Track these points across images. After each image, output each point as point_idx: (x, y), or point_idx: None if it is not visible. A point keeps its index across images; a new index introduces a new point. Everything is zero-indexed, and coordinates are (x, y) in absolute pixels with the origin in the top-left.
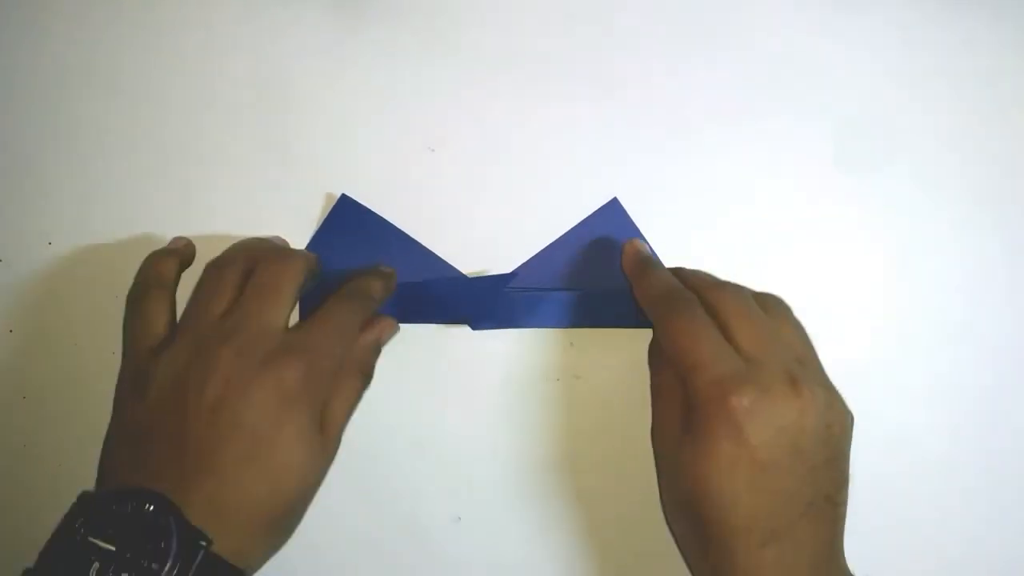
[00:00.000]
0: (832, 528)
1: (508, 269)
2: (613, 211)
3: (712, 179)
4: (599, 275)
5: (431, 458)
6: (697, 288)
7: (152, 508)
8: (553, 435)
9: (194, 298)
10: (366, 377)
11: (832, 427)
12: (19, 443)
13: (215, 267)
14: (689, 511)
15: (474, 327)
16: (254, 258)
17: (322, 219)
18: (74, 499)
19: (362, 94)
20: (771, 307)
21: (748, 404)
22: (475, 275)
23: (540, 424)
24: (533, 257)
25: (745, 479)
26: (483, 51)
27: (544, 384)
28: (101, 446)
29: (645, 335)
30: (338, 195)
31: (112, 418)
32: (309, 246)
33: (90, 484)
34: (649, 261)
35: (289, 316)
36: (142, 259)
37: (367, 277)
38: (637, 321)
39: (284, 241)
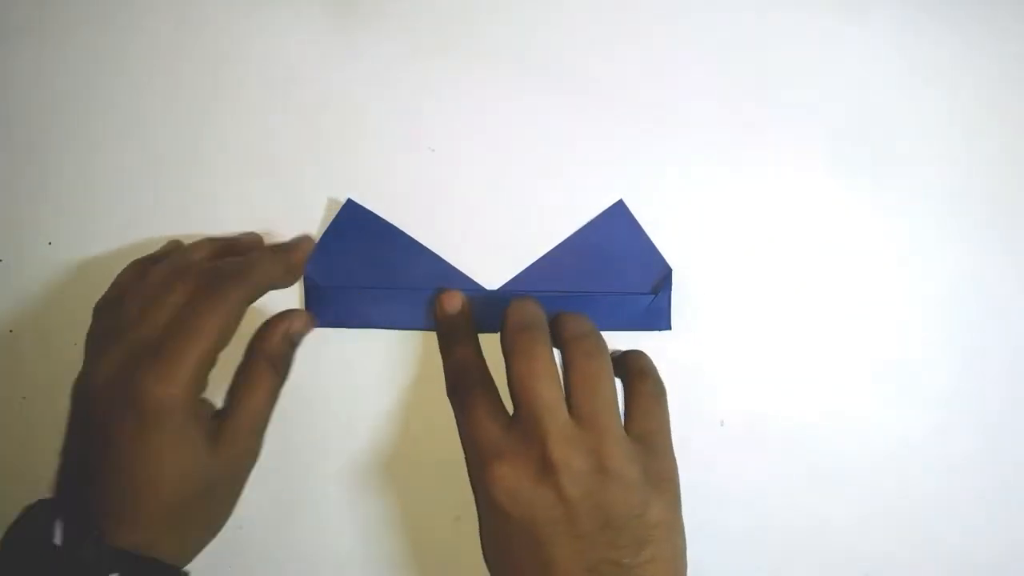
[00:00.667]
0: None
1: (511, 271)
2: (618, 213)
3: (716, 181)
4: (605, 278)
5: (431, 458)
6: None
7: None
8: None
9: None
10: (282, 374)
11: (596, 494)
12: (19, 443)
13: (149, 285)
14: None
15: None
16: (189, 278)
17: (325, 220)
18: None
19: (362, 94)
20: (635, 375)
21: (502, 478)
22: (476, 275)
23: None
24: (539, 260)
25: (518, 550)
26: (483, 51)
27: None
28: None
29: (646, 336)
30: (340, 197)
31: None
32: (314, 253)
33: None
34: (454, 331)
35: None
36: None
37: (261, 255)
38: (643, 325)
39: (256, 237)
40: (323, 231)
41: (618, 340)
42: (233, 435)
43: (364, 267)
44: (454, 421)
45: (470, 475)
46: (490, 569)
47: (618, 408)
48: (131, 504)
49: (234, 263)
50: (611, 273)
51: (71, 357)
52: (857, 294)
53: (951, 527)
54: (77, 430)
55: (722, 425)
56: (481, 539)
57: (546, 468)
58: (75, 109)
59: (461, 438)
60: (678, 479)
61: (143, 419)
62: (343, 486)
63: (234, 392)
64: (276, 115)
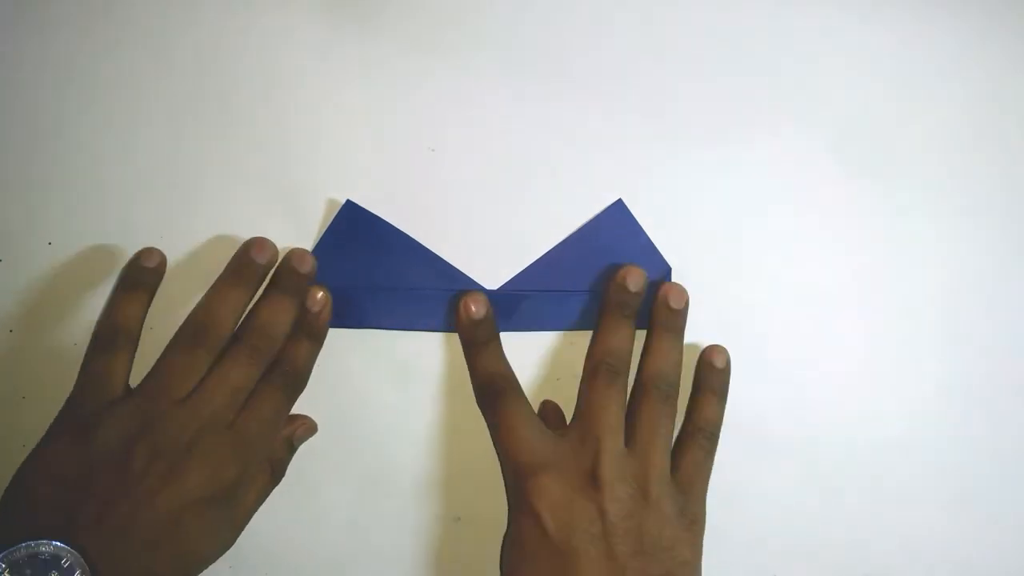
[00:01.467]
0: None
1: (511, 270)
2: (618, 212)
3: (716, 181)
4: (604, 277)
5: (431, 459)
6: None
7: (67, 563)
8: None
9: (158, 369)
10: (277, 476)
11: (635, 518)
12: (19, 443)
13: (190, 341)
14: None
15: None
16: (227, 337)
17: (324, 220)
18: None
19: (362, 94)
20: (650, 389)
21: (544, 488)
22: (475, 275)
23: None
24: (538, 259)
25: (547, 564)
26: (483, 51)
27: (544, 384)
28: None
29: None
30: (340, 198)
31: (41, 448)
32: (313, 255)
33: None
34: (479, 336)
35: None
36: None
37: (297, 347)
38: (641, 323)
39: (273, 250)
40: (323, 232)
41: None
42: (239, 521)
43: (363, 268)
44: (454, 421)
45: (506, 481)
46: None
47: (670, 449)
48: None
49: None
50: (611, 272)
51: (71, 357)
52: (858, 294)
53: (951, 527)
54: (108, 471)
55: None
56: (504, 549)
57: (593, 483)
58: (75, 110)
59: (497, 446)
60: (704, 528)
61: (206, 494)
62: (343, 486)
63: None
64: (276, 115)
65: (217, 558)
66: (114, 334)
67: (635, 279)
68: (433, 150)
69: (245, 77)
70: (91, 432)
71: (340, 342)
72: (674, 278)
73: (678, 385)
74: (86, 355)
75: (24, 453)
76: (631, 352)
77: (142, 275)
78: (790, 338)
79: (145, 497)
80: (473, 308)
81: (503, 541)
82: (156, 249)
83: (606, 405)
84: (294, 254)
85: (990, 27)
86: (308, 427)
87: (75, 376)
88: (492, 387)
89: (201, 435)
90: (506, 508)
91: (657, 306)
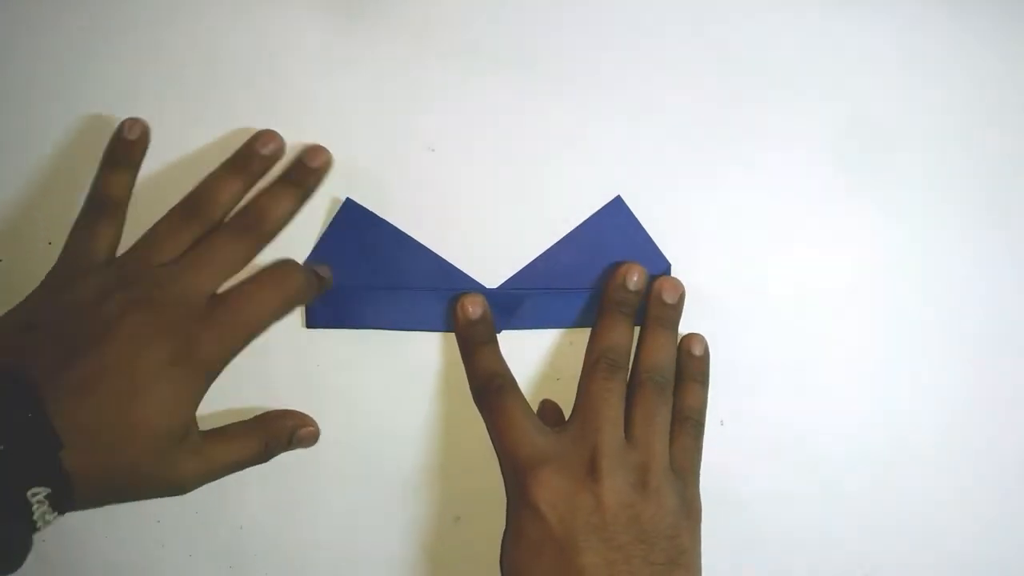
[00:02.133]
0: None
1: (510, 269)
2: (617, 209)
3: (715, 177)
4: (604, 274)
5: (431, 458)
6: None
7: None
8: None
9: (144, 238)
10: (263, 454)
11: (635, 507)
12: None
13: (180, 213)
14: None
15: None
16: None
17: (325, 218)
18: None
19: (362, 94)
20: (646, 381)
21: (544, 482)
22: (475, 274)
23: None
24: (538, 257)
25: (550, 558)
26: (483, 51)
27: (544, 384)
28: None
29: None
30: (340, 197)
31: (18, 305)
32: (313, 254)
33: None
34: (477, 336)
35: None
36: None
37: (273, 195)
38: (640, 321)
39: (279, 143)
40: (322, 230)
41: None
42: (198, 462)
43: (363, 267)
44: (454, 421)
45: (505, 478)
46: (509, 574)
47: (668, 440)
48: (110, 428)
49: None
50: (610, 269)
51: None
52: (858, 293)
53: (951, 527)
54: (75, 323)
55: (722, 425)
56: (504, 545)
57: (592, 475)
58: (74, 109)
59: (495, 443)
60: (701, 515)
61: (175, 360)
62: (342, 486)
63: (221, 439)
64: (275, 114)
65: (168, 443)
66: (100, 204)
67: (635, 278)
68: (433, 150)
69: (245, 77)
70: (67, 288)
71: (339, 342)
72: (673, 275)
73: (673, 378)
74: (74, 225)
75: None
76: (631, 348)
77: (125, 149)
78: (789, 336)
79: (115, 345)
80: (470, 309)
81: (503, 538)
82: (139, 120)
83: (606, 398)
84: (308, 147)
85: (991, 26)
86: (311, 432)
87: None
88: (490, 386)
89: (182, 299)
90: (505, 508)
91: (652, 301)
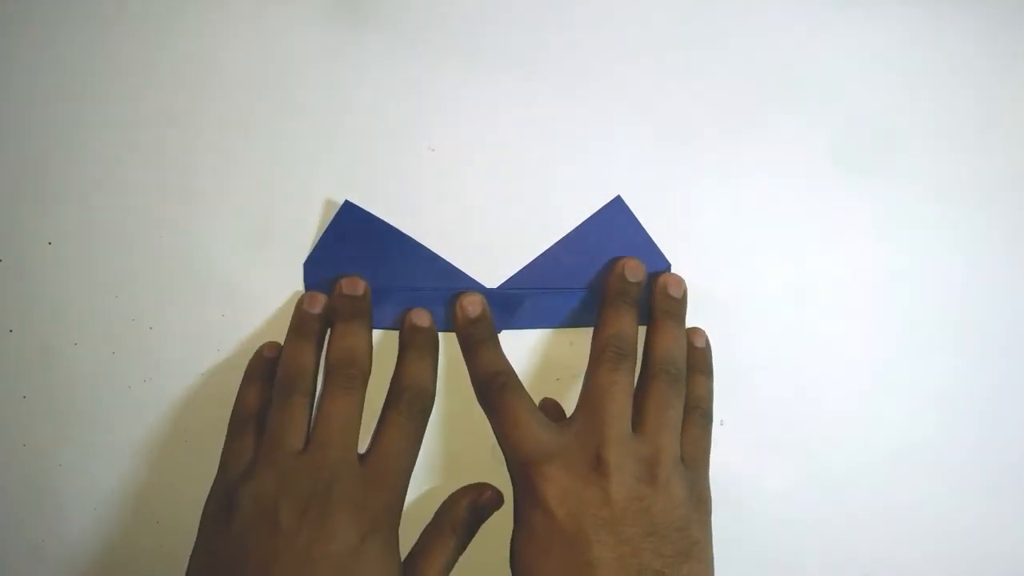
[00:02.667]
0: None
1: (510, 269)
2: (617, 209)
3: (715, 177)
4: (604, 274)
5: (431, 458)
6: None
7: None
8: None
9: (268, 433)
10: (461, 539)
11: (645, 500)
12: (19, 443)
13: (283, 395)
14: None
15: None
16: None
17: (323, 220)
18: (73, 498)
19: (362, 94)
20: (659, 373)
21: (551, 477)
22: (476, 274)
23: None
24: (538, 257)
25: (559, 554)
26: (483, 51)
27: (544, 384)
28: (101, 451)
29: (644, 333)
30: (338, 198)
31: (198, 538)
32: (312, 255)
33: (88, 483)
34: (477, 335)
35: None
36: (141, 259)
37: (405, 363)
38: (640, 321)
39: (323, 299)
40: (321, 232)
41: None
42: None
43: (363, 268)
44: (454, 420)
45: (512, 477)
46: (520, 573)
47: (679, 432)
48: None
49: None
50: (610, 267)
51: (71, 357)
52: (857, 293)
53: (951, 527)
54: (253, 542)
55: (722, 425)
56: (514, 545)
57: (598, 469)
58: (74, 109)
59: (500, 441)
60: (711, 506)
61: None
62: None
63: (420, 553)
64: (275, 115)
65: None
66: (242, 419)
67: (633, 270)
68: (433, 150)
69: (244, 77)
70: (230, 510)
71: None
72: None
73: (685, 370)
74: (225, 440)
75: (24, 453)
76: (636, 337)
77: (256, 370)
78: (789, 336)
79: (304, 551)
80: (469, 308)
81: (512, 537)
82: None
83: (611, 391)
84: (343, 282)
85: (992, 24)
86: (493, 495)
87: (75, 375)
88: (493, 384)
89: (336, 477)
90: (505, 508)
91: (657, 295)
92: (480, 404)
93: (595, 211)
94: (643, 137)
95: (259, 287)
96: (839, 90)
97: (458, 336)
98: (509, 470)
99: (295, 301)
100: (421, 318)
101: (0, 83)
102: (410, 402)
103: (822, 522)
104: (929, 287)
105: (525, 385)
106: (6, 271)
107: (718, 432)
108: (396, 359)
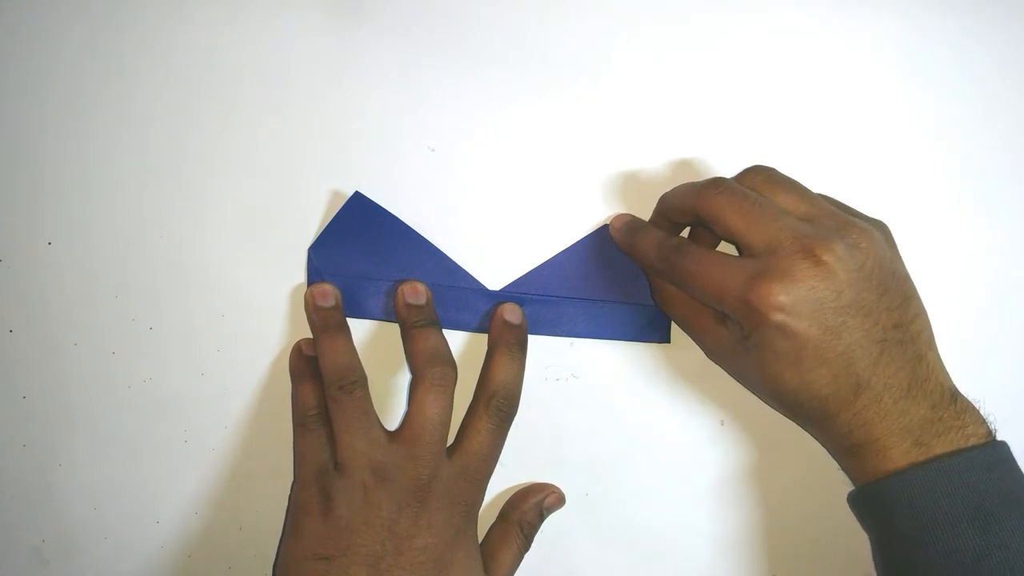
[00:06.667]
0: (909, 350)
1: (510, 271)
2: None
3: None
4: (608, 286)
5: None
6: (692, 209)
7: None
8: (553, 435)
9: (348, 427)
10: (528, 539)
11: (863, 267)
12: (19, 443)
13: (341, 389)
14: (776, 403)
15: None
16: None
17: (325, 218)
18: (74, 498)
19: (362, 94)
20: (759, 183)
21: (779, 299)
22: (478, 275)
23: (540, 424)
24: (544, 263)
25: (810, 358)
26: (483, 51)
27: (544, 384)
28: (101, 451)
29: (646, 344)
30: (343, 191)
31: (290, 529)
32: (318, 242)
33: (88, 483)
34: (636, 223)
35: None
36: (141, 259)
37: (493, 366)
38: (643, 336)
39: (335, 291)
40: (320, 231)
41: (616, 350)
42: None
43: (367, 259)
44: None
45: (703, 335)
46: (774, 398)
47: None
48: None
49: None
50: (614, 282)
51: (71, 357)
52: None
53: None
54: (360, 533)
55: (722, 425)
56: (749, 377)
57: (816, 263)
58: (75, 109)
59: (701, 295)
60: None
61: (456, 522)
62: None
63: (489, 553)
64: (275, 114)
65: None
66: (304, 420)
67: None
68: (433, 150)
69: (246, 78)
70: (329, 503)
71: None
72: None
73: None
74: (294, 442)
75: (24, 453)
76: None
77: (301, 367)
78: None
79: (404, 542)
80: (620, 220)
81: (739, 361)
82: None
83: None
84: (406, 290)
85: (994, 22)
86: (558, 497)
87: (75, 375)
88: (670, 254)
89: (433, 473)
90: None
91: (619, 234)
92: (659, 281)
93: (602, 220)
94: (645, 139)
95: (259, 287)
96: (840, 90)
97: (621, 241)
98: (702, 329)
99: (294, 303)
100: (514, 314)
101: (1, 83)
102: (499, 407)
103: (822, 522)
104: (928, 286)
105: (525, 385)
106: (6, 271)
107: (718, 432)
108: (484, 356)
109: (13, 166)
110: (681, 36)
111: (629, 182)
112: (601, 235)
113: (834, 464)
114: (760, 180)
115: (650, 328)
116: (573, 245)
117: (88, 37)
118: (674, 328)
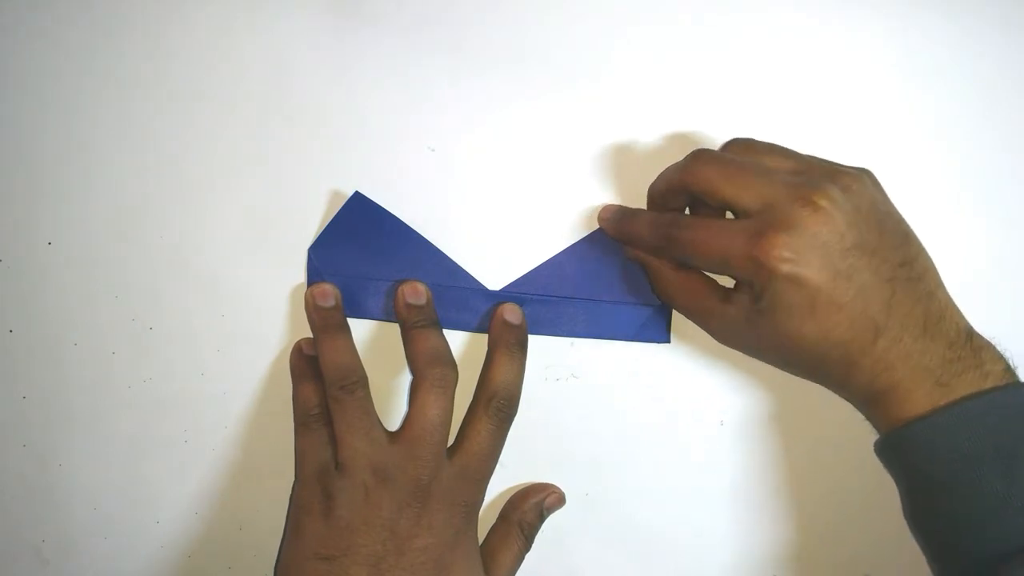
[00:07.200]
0: (919, 288)
1: (510, 272)
2: None
3: None
4: (607, 286)
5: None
6: (681, 185)
7: None
8: (553, 435)
9: (349, 427)
10: (529, 540)
11: (859, 208)
12: (19, 443)
13: (342, 389)
14: (798, 364)
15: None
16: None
17: (325, 218)
18: (74, 498)
19: (362, 94)
20: (740, 150)
21: (784, 250)
22: (478, 275)
23: (540, 424)
24: (543, 263)
25: (824, 305)
26: (483, 51)
27: (544, 384)
28: (101, 451)
29: (645, 344)
30: (343, 193)
31: (291, 529)
32: (318, 242)
33: (88, 483)
34: (624, 210)
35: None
36: (141, 259)
37: (493, 366)
38: (642, 336)
39: (335, 290)
40: (320, 231)
41: (616, 350)
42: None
43: (367, 259)
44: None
45: (709, 304)
46: (790, 359)
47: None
48: None
49: None
50: (614, 282)
51: (71, 357)
52: None
53: None
54: (360, 533)
55: (722, 425)
56: (760, 335)
57: (815, 210)
58: (75, 109)
59: (701, 259)
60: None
61: (457, 523)
62: None
63: (489, 553)
64: (275, 114)
65: None
66: (305, 419)
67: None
68: (433, 150)
69: (246, 78)
70: (329, 503)
71: None
72: None
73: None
74: (295, 442)
75: (24, 453)
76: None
77: (302, 367)
78: None
79: (404, 542)
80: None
81: (750, 329)
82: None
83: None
84: (406, 290)
85: (994, 22)
86: (558, 497)
87: (75, 375)
88: (666, 229)
89: (433, 474)
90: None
91: (609, 223)
92: (659, 270)
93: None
94: (646, 139)
95: (259, 287)
96: (841, 91)
97: (612, 229)
98: (710, 301)
99: (294, 303)
100: (514, 314)
101: (1, 83)
102: (499, 407)
103: (822, 522)
104: None
105: (525, 385)
106: (6, 271)
107: (718, 432)
108: (485, 357)
109: (13, 166)
110: (681, 36)
111: (629, 182)
112: (601, 235)
113: (834, 464)
114: (741, 148)
115: (650, 328)
116: (573, 245)
117: (88, 37)
118: (674, 328)
